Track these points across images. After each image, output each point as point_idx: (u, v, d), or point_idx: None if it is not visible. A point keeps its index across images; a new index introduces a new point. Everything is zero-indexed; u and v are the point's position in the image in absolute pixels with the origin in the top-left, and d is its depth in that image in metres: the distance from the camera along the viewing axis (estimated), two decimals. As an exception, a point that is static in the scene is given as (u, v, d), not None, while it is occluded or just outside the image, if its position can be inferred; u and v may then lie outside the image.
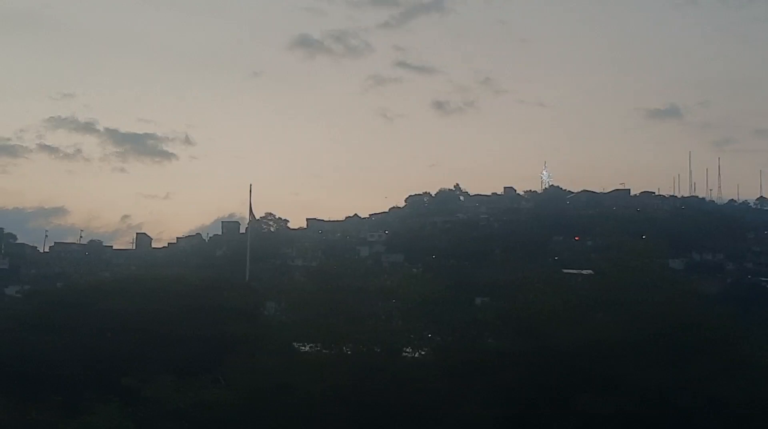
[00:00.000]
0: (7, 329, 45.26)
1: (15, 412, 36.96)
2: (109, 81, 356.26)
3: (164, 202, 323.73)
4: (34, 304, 50.51)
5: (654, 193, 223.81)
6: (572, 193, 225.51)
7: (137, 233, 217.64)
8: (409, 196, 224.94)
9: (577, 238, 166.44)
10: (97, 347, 41.53)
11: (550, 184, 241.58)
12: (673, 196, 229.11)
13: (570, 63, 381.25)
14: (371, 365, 34.20)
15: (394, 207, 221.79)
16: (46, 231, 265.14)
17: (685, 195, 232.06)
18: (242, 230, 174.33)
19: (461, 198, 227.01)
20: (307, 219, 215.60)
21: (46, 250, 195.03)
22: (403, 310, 39.27)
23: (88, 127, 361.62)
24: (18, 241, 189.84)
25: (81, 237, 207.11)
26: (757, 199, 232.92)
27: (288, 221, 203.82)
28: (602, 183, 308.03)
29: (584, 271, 51.21)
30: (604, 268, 41.63)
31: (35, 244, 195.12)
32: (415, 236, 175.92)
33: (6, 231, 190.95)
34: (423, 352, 37.58)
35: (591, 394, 31.84)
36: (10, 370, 40.45)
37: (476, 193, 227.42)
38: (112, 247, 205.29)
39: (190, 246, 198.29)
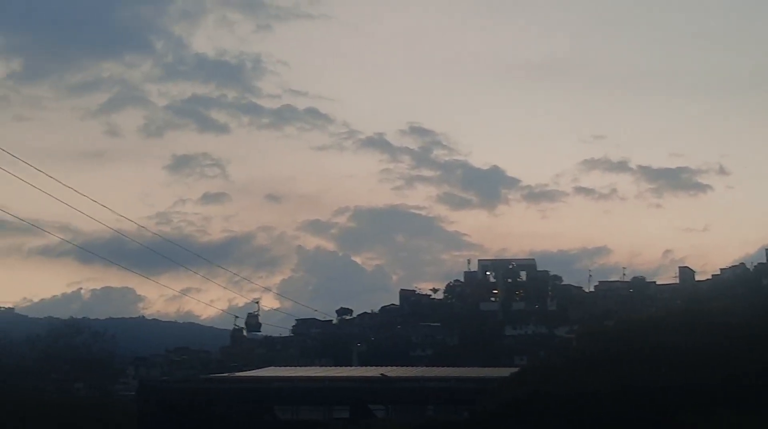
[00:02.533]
0: (561, 368, 46.91)
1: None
2: (637, 118, 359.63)
3: (703, 234, 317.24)
4: (585, 343, 51.87)
5: None
6: None
7: (680, 267, 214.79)
8: None
9: None
10: (651, 383, 41.60)
11: None
12: None
13: None
14: None
15: None
16: (590, 271, 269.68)
17: None
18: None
19: None
20: None
21: (591, 289, 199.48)
22: None
23: (621, 166, 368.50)
24: (563, 283, 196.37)
25: (624, 274, 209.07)
26: None
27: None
28: None
29: None
30: None
31: (580, 285, 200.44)
32: None
33: (551, 273, 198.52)
34: None
35: None
36: (565, 409, 41.77)
37: None
38: (655, 282, 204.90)
39: (735, 276, 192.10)
